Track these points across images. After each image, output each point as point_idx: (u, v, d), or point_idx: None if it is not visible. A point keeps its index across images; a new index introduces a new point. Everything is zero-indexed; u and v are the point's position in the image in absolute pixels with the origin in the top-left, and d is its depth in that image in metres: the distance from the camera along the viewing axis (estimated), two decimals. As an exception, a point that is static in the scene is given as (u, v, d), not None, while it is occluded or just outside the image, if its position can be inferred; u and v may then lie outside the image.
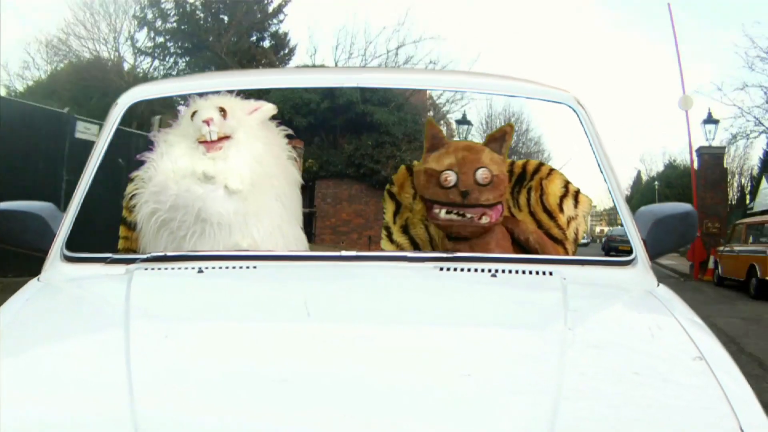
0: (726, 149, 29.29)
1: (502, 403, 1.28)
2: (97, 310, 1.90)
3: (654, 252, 2.26)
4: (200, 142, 2.38)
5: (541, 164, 2.75)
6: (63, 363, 1.43)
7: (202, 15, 26.34)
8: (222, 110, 2.40)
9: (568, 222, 2.66)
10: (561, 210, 2.65)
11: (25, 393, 1.27)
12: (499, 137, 2.56)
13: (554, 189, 2.67)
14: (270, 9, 27.42)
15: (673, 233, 2.34)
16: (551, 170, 2.72)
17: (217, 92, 2.50)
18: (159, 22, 26.16)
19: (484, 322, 1.73)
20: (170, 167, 2.35)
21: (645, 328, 1.68)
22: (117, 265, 2.10)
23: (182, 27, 25.88)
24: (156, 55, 26.87)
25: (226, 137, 2.39)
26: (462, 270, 2.04)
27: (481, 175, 2.41)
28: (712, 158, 24.28)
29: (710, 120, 23.85)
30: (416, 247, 2.61)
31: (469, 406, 1.23)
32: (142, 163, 2.47)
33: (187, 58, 26.11)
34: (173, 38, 26.46)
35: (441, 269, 2.04)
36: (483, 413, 1.23)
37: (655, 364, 1.47)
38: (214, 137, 2.36)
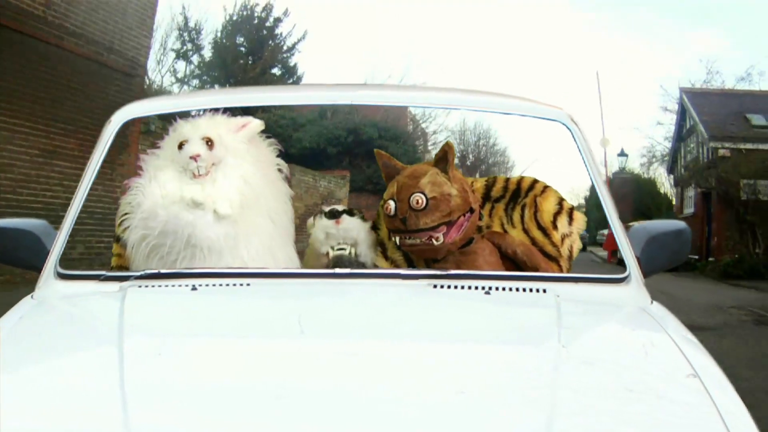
0: (637, 173, 44.92)
1: (496, 420, 1.27)
2: (90, 328, 1.89)
3: (648, 269, 2.26)
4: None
5: (535, 181, 2.75)
6: (57, 380, 1.42)
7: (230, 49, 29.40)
8: (209, 141, 2.36)
9: (563, 239, 2.67)
10: (555, 227, 2.65)
11: (19, 410, 1.26)
12: (442, 157, 2.56)
13: (548, 206, 2.67)
14: (285, 45, 30.74)
15: (666, 250, 2.35)
16: (545, 187, 2.72)
17: (204, 113, 2.49)
18: (195, 56, 29.81)
19: (478, 339, 1.73)
20: (158, 193, 2.33)
21: (639, 345, 1.69)
22: (111, 283, 2.09)
23: (214, 60, 29.51)
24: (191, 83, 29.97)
25: (213, 165, 2.37)
26: (456, 287, 2.04)
27: (414, 200, 2.43)
28: (622, 180, 39.24)
29: (622, 153, 37.38)
30: (410, 263, 2.61)
31: (463, 423, 1.23)
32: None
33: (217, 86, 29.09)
34: (207, 70, 29.99)
35: (435, 286, 2.04)
36: (477, 430, 1.22)
37: (649, 381, 1.47)
38: (203, 172, 2.34)
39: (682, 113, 33.12)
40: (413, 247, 2.49)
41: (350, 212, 2.59)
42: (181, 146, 2.37)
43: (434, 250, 2.46)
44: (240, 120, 2.53)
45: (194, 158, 2.33)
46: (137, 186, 2.41)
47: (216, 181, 2.34)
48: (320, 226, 2.58)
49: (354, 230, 2.55)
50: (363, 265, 2.52)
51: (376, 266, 2.60)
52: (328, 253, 2.54)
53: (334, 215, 2.57)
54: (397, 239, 2.51)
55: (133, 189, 2.41)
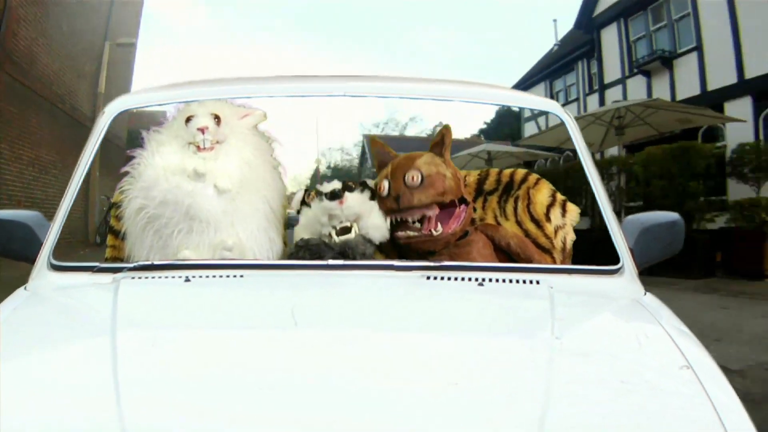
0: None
1: (489, 411, 1.28)
2: (84, 319, 1.88)
3: (641, 261, 2.27)
4: (194, 146, 2.39)
5: (528, 173, 2.75)
6: (50, 371, 1.42)
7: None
8: (216, 117, 2.41)
9: (556, 231, 2.67)
10: (548, 219, 2.66)
11: (12, 401, 1.26)
12: (439, 141, 2.59)
13: (541, 198, 2.67)
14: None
15: (660, 242, 2.35)
16: (538, 179, 2.73)
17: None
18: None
19: (471, 330, 1.74)
20: (161, 164, 2.35)
21: (632, 336, 1.69)
22: (104, 274, 2.09)
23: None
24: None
25: (219, 143, 2.41)
26: (449, 279, 2.04)
27: (409, 176, 2.46)
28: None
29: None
30: (404, 256, 2.61)
31: (457, 414, 1.23)
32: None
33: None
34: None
35: (428, 278, 2.05)
36: (470, 421, 1.23)
37: (642, 372, 1.48)
38: (208, 145, 2.37)
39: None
40: (411, 240, 2.48)
41: (349, 188, 2.56)
42: (188, 120, 2.41)
43: (434, 241, 2.46)
44: (244, 109, 2.59)
45: (202, 130, 2.38)
46: (140, 157, 2.42)
47: (218, 158, 2.37)
48: (321, 209, 2.53)
49: (356, 206, 2.53)
50: (370, 242, 2.51)
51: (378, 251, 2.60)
52: (330, 234, 2.52)
53: (335, 196, 2.53)
54: (389, 222, 2.51)
55: (134, 161, 2.43)
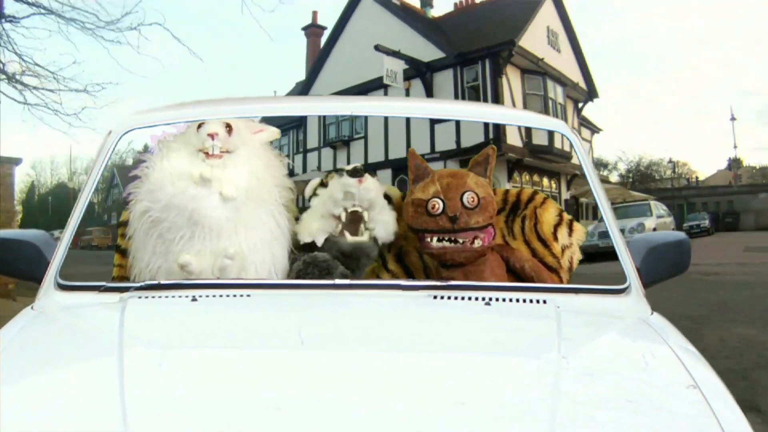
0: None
1: (496, 431, 1.27)
2: (91, 339, 1.89)
3: (648, 280, 2.26)
4: (203, 152, 2.40)
5: (535, 192, 2.76)
6: (57, 391, 1.42)
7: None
8: (228, 126, 2.42)
9: (563, 250, 2.67)
10: (555, 238, 2.66)
11: (19, 421, 1.26)
12: (483, 161, 2.58)
13: (548, 217, 2.68)
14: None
15: (667, 261, 2.35)
16: (545, 199, 2.73)
17: None
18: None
19: (478, 350, 1.73)
20: (168, 168, 2.36)
21: (639, 356, 1.68)
22: (111, 294, 2.09)
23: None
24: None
25: (228, 152, 2.41)
26: (456, 298, 2.04)
27: (468, 198, 2.44)
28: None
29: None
30: (410, 275, 2.61)
31: None
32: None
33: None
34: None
35: (435, 297, 2.04)
36: None
37: (649, 392, 1.47)
38: (217, 152, 2.38)
39: None
40: (448, 249, 2.46)
41: (371, 171, 2.56)
42: (200, 126, 2.42)
43: (472, 252, 2.45)
44: (258, 125, 2.62)
45: (212, 135, 2.38)
46: (149, 161, 2.43)
47: (227, 166, 2.37)
48: (339, 185, 2.53)
49: (372, 191, 2.52)
50: (376, 242, 2.52)
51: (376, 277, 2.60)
52: (340, 216, 2.51)
53: (357, 173, 2.52)
54: (434, 240, 2.48)
55: (143, 165, 2.44)
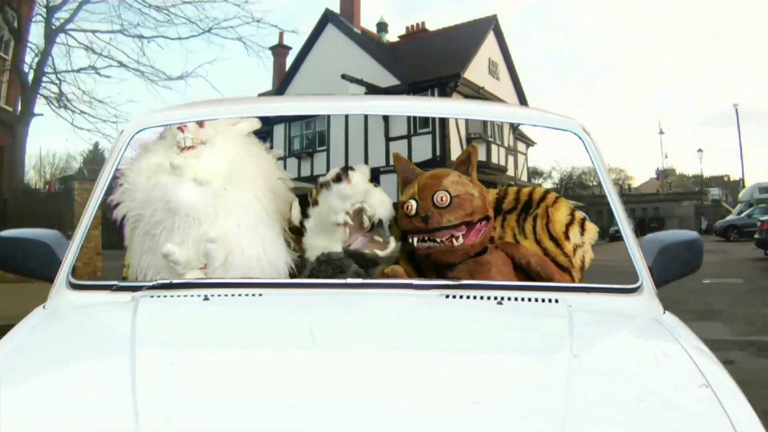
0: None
1: (509, 430, 1.27)
2: (102, 338, 1.89)
3: (660, 279, 2.25)
4: (177, 147, 2.41)
5: (547, 192, 2.75)
6: (69, 391, 1.42)
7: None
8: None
9: (575, 249, 2.66)
10: (567, 237, 2.65)
11: (31, 420, 1.27)
12: (465, 159, 2.62)
13: (560, 216, 2.67)
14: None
15: (678, 260, 2.33)
16: (557, 198, 2.72)
17: None
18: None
19: (490, 349, 1.73)
20: (143, 166, 2.39)
21: (651, 355, 1.68)
22: (123, 293, 2.10)
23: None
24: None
25: (203, 143, 2.43)
26: (468, 297, 2.03)
27: (438, 197, 2.47)
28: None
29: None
30: (421, 274, 2.60)
31: None
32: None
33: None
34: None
35: (447, 297, 2.04)
36: None
37: (661, 391, 1.46)
38: (189, 143, 2.39)
39: None
40: (431, 249, 2.49)
41: (350, 169, 2.58)
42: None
43: (453, 251, 2.46)
44: (238, 118, 2.62)
45: (181, 129, 2.40)
46: (127, 164, 2.45)
47: (200, 155, 2.39)
48: (333, 194, 2.54)
49: (362, 183, 2.55)
50: (381, 223, 2.53)
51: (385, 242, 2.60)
52: (345, 222, 2.52)
53: (341, 178, 2.54)
54: (415, 240, 2.51)
55: (123, 169, 2.46)
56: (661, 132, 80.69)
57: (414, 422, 1.28)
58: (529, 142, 39.37)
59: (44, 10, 18.85)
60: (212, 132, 2.45)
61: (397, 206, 2.64)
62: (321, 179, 2.62)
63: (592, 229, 2.71)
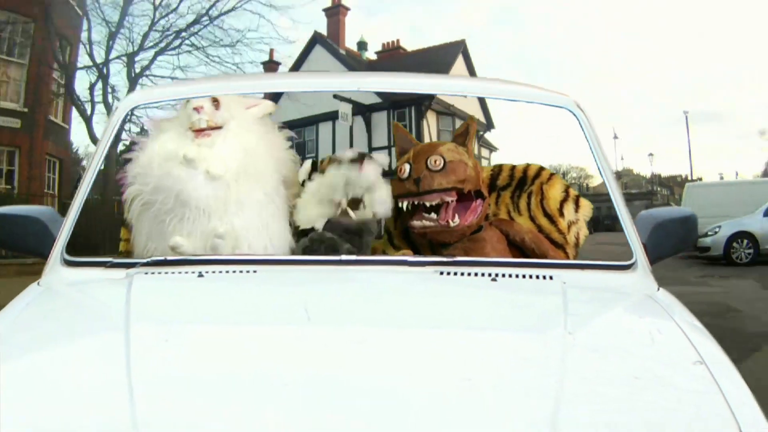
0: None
1: (502, 407, 1.27)
2: (97, 314, 1.89)
3: (654, 256, 2.25)
4: (191, 130, 2.38)
5: (541, 169, 2.75)
6: (63, 367, 1.42)
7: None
8: (215, 101, 2.40)
9: (569, 226, 2.66)
10: (561, 214, 2.65)
11: (25, 398, 1.27)
12: (463, 131, 2.64)
13: (555, 193, 2.67)
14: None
15: (673, 237, 2.34)
16: (551, 175, 2.72)
17: None
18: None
19: (485, 325, 1.73)
20: (156, 150, 2.35)
21: (645, 332, 1.68)
22: (117, 270, 2.09)
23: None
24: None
25: (218, 127, 2.39)
26: (462, 274, 2.03)
27: (432, 160, 2.48)
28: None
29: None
30: (416, 251, 2.60)
31: (470, 410, 1.23)
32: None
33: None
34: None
35: (441, 273, 2.04)
36: (483, 417, 1.22)
37: (656, 368, 1.47)
38: (203, 125, 2.36)
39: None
40: (427, 229, 2.49)
41: (368, 157, 2.57)
42: (187, 104, 2.41)
43: (449, 232, 2.46)
44: (252, 99, 2.59)
45: (197, 109, 2.37)
46: (140, 142, 2.43)
47: (215, 144, 2.36)
48: (340, 174, 2.54)
49: (372, 175, 2.54)
50: (378, 221, 2.53)
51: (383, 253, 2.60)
52: (341, 202, 2.52)
53: (357, 161, 2.53)
54: (404, 204, 2.51)
55: (136, 146, 2.43)
56: (616, 137, 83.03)
57: (408, 399, 1.28)
58: (492, 148, 41.32)
59: (125, 58, 22.04)
60: (228, 116, 2.42)
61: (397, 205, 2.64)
62: (338, 154, 2.62)
63: (586, 206, 2.71)
